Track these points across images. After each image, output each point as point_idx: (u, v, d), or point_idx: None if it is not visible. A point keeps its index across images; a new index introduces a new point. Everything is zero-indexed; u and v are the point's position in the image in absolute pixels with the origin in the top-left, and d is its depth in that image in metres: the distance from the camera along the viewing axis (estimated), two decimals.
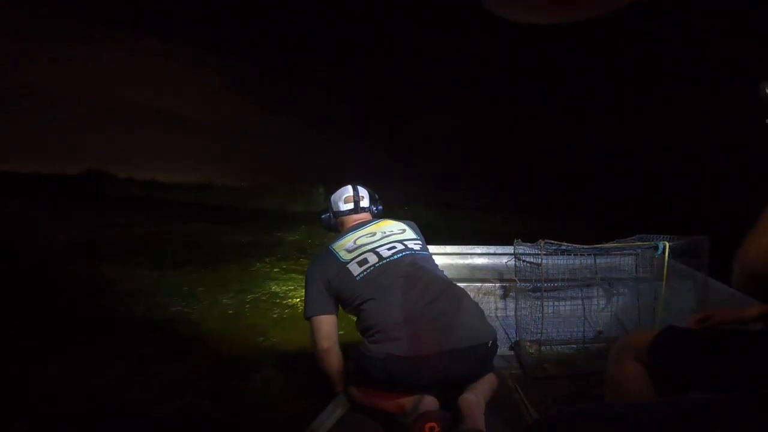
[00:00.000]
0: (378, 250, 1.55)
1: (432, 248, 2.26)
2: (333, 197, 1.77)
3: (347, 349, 1.58)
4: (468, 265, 2.25)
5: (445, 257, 2.25)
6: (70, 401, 1.95)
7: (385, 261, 1.50)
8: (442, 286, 1.48)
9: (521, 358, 1.91)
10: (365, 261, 1.50)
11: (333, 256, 1.56)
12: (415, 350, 1.29)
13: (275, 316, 3.30)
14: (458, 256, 2.26)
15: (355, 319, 1.52)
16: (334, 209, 1.75)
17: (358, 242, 1.59)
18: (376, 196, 1.82)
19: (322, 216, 1.78)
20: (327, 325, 1.51)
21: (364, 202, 1.75)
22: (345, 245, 1.58)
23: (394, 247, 1.56)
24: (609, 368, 1.13)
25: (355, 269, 1.49)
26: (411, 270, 1.49)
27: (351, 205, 1.73)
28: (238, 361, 2.48)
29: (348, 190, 1.75)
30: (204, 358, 2.50)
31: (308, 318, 1.53)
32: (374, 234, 1.62)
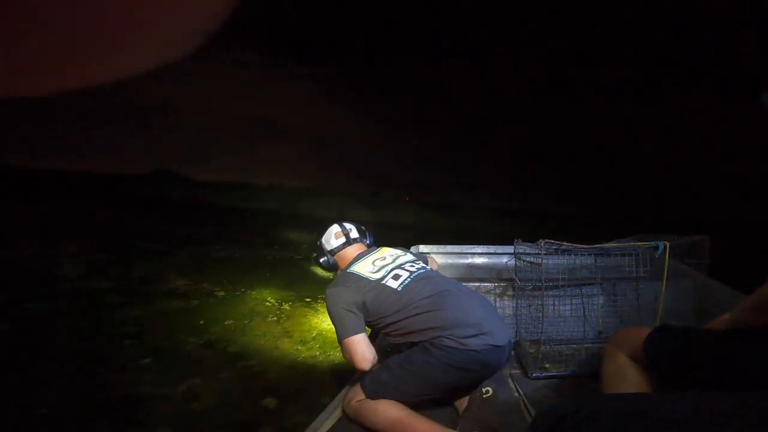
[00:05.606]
0: (403, 266, 1.61)
1: (432, 248, 2.26)
2: (323, 239, 1.81)
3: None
4: (468, 264, 2.24)
5: (446, 257, 2.25)
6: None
7: (416, 273, 1.57)
8: (474, 292, 1.63)
9: (521, 358, 1.91)
10: (398, 276, 1.56)
11: (358, 277, 1.56)
12: (500, 341, 1.42)
13: (273, 316, 3.31)
14: (458, 256, 2.25)
15: (382, 326, 1.52)
16: (328, 248, 1.78)
17: (377, 264, 1.62)
18: (363, 228, 1.85)
19: (321, 260, 1.79)
20: (362, 343, 1.46)
21: (353, 234, 1.79)
22: (365, 267, 1.60)
23: (414, 265, 1.63)
24: (604, 364, 1.14)
25: (393, 283, 1.53)
26: (444, 280, 1.60)
27: (343, 239, 1.77)
28: (237, 361, 2.49)
29: (335, 227, 1.80)
30: (204, 359, 2.51)
31: (344, 339, 1.47)
32: (385, 258, 1.66)
